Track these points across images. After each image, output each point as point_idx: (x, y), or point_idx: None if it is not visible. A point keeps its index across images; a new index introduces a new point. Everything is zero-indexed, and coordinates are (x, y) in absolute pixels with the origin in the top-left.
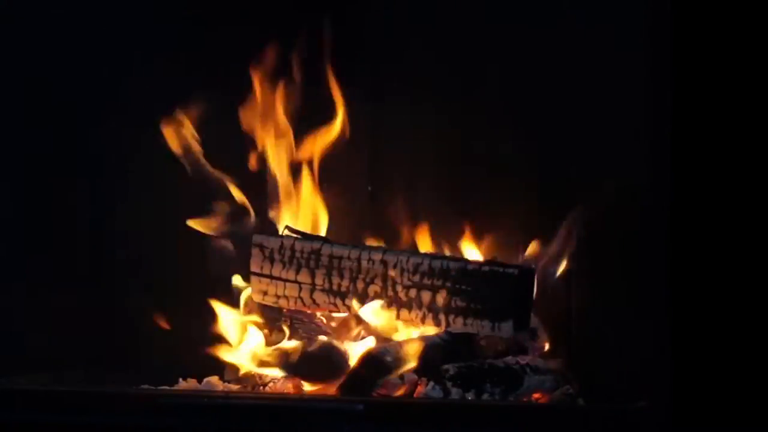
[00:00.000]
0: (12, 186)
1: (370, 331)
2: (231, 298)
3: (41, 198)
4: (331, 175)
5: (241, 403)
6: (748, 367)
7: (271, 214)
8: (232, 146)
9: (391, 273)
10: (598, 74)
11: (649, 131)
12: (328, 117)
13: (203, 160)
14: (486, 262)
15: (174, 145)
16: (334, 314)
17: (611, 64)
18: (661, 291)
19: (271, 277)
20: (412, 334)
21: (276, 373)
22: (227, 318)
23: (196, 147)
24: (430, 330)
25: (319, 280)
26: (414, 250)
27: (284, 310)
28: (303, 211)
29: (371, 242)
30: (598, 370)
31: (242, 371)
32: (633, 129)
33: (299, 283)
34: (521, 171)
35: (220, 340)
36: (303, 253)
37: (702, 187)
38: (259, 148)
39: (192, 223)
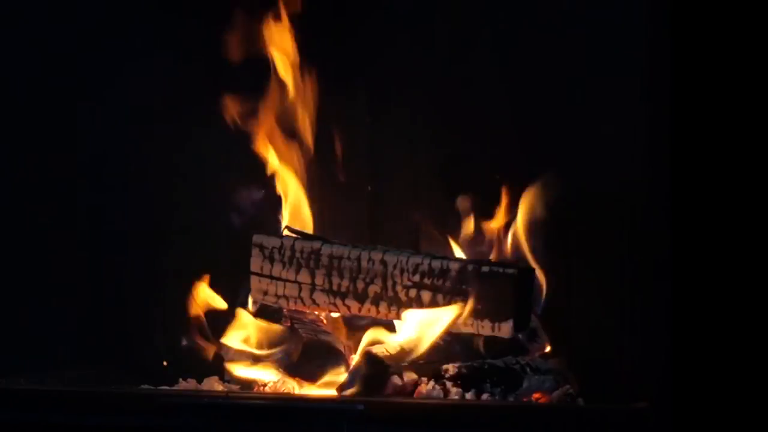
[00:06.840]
0: (11, 186)
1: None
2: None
3: (41, 197)
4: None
5: (241, 403)
6: (748, 367)
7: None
8: (231, 145)
9: (391, 273)
10: (597, 74)
11: (647, 131)
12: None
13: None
14: (486, 262)
15: None
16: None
17: (611, 64)
18: (661, 291)
19: (271, 277)
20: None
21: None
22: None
23: None
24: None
25: (319, 280)
26: (414, 250)
27: (284, 310)
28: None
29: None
30: (598, 370)
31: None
32: (632, 129)
33: (299, 283)
34: (521, 170)
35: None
36: (303, 253)
37: (703, 186)
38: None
39: None
